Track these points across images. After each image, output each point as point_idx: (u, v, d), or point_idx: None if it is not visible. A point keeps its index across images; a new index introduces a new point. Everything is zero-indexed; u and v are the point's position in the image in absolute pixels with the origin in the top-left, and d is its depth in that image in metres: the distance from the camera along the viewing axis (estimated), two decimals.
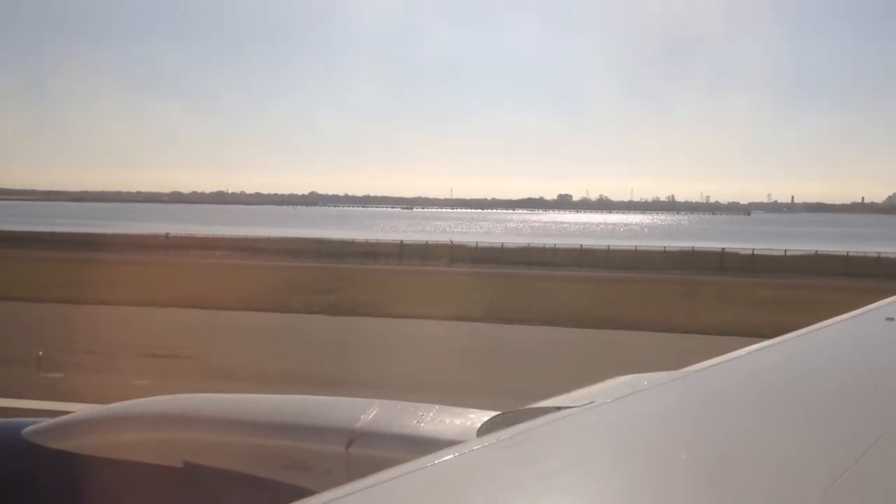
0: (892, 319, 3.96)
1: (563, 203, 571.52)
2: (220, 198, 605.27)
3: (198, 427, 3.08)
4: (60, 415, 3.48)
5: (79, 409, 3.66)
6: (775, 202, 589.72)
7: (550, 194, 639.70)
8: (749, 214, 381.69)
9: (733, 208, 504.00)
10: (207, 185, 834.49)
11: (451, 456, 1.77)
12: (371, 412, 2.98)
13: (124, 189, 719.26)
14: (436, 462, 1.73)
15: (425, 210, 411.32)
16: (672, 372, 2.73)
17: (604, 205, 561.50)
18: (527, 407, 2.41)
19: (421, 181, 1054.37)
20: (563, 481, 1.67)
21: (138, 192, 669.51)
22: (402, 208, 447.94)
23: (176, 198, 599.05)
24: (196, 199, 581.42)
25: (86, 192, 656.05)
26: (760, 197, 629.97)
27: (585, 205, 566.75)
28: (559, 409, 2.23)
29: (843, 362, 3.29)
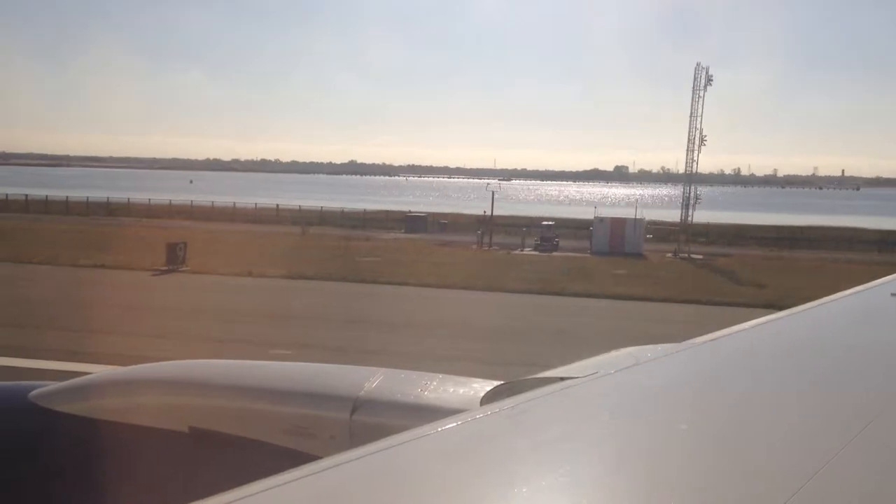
0: None
1: (622, 175, 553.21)
2: (265, 166, 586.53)
3: (203, 392, 3.11)
4: (67, 378, 3.49)
5: (86, 372, 3.67)
6: (813, 175, 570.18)
7: (594, 166, 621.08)
8: (858, 189, 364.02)
9: (820, 182, 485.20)
10: (241, 153, 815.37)
11: (455, 424, 1.78)
12: (375, 380, 3.00)
13: (158, 156, 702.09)
14: (439, 430, 1.74)
15: (521, 182, 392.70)
16: (676, 344, 2.75)
17: (668, 177, 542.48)
18: (529, 377, 2.43)
19: (460, 151, 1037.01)
20: (566, 450, 1.69)
21: (174, 159, 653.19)
22: (501, 180, 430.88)
23: (217, 165, 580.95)
24: (241, 166, 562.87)
25: (111, 158, 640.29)
26: (806, 171, 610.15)
27: (646, 177, 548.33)
28: (562, 379, 2.26)
29: (846, 337, 3.28)
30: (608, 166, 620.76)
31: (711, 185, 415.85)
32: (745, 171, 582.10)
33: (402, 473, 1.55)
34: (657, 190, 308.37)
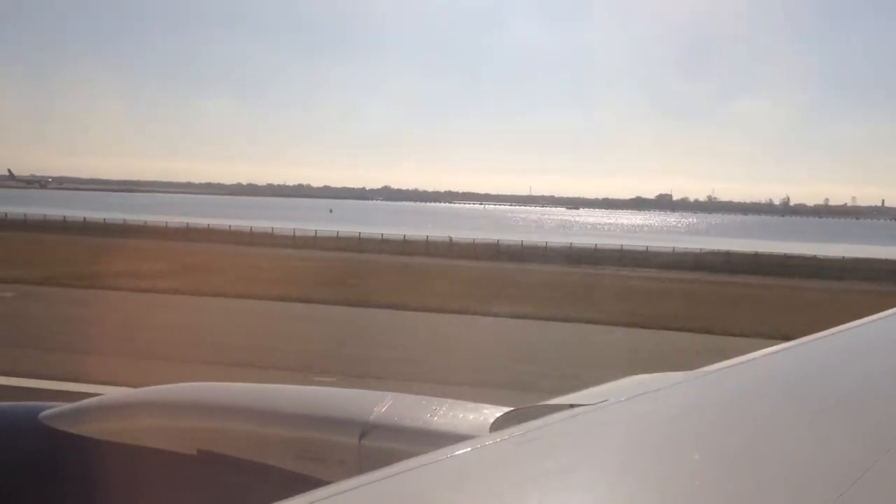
0: None
1: (666, 203, 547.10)
2: (300, 191, 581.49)
3: (212, 416, 3.11)
4: (78, 398, 3.49)
5: (96, 394, 3.68)
6: (846, 206, 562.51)
7: (636, 193, 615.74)
8: None
9: (862, 212, 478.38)
10: (269, 178, 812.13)
11: (464, 450, 1.78)
12: (384, 405, 2.98)
13: (182, 179, 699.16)
14: (448, 456, 1.73)
15: (587, 211, 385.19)
16: (687, 372, 2.71)
17: (716, 206, 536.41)
18: (539, 404, 2.41)
19: (492, 177, 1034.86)
20: (576, 479, 1.67)
21: (207, 184, 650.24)
22: (568, 208, 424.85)
23: (253, 190, 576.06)
24: (275, 192, 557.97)
25: (146, 182, 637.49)
26: (842, 199, 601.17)
27: (689, 205, 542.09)
28: (572, 406, 2.23)
29: (861, 368, 3.22)
30: (647, 194, 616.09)
31: (761, 215, 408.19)
32: (774, 200, 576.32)
33: (412, 499, 1.54)
34: (718, 218, 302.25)
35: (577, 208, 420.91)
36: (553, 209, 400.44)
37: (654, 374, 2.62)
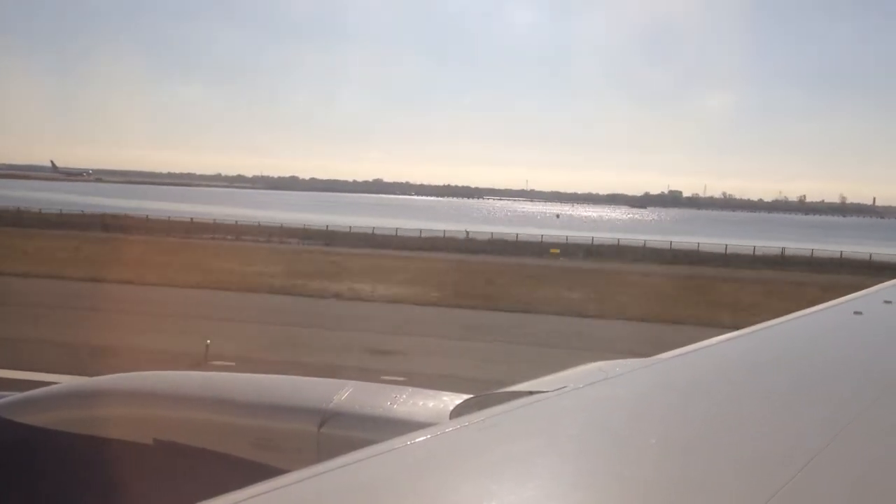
0: (859, 313, 4.08)
1: (676, 200, 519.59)
2: (292, 184, 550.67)
3: (169, 404, 3.06)
4: (31, 388, 3.42)
5: (50, 383, 3.62)
6: (841, 203, 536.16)
7: (644, 189, 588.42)
8: None
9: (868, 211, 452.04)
10: (252, 169, 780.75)
11: (424, 437, 1.77)
12: (344, 393, 2.97)
13: (171, 170, 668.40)
14: (408, 443, 1.74)
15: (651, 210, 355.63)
16: (644, 359, 2.76)
17: (729, 203, 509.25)
18: (499, 391, 2.42)
19: (488, 170, 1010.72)
20: (536, 464, 1.69)
21: (189, 174, 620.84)
22: (632, 206, 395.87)
23: (240, 182, 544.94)
24: (265, 183, 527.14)
25: (131, 171, 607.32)
26: (831, 198, 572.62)
27: (703, 203, 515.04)
28: (531, 393, 2.25)
29: (810, 353, 3.31)
30: (652, 189, 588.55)
31: (777, 212, 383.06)
32: (791, 198, 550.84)
33: (371, 488, 1.53)
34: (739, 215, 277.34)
35: (644, 207, 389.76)
36: (560, 205, 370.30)
37: (613, 361, 2.65)
